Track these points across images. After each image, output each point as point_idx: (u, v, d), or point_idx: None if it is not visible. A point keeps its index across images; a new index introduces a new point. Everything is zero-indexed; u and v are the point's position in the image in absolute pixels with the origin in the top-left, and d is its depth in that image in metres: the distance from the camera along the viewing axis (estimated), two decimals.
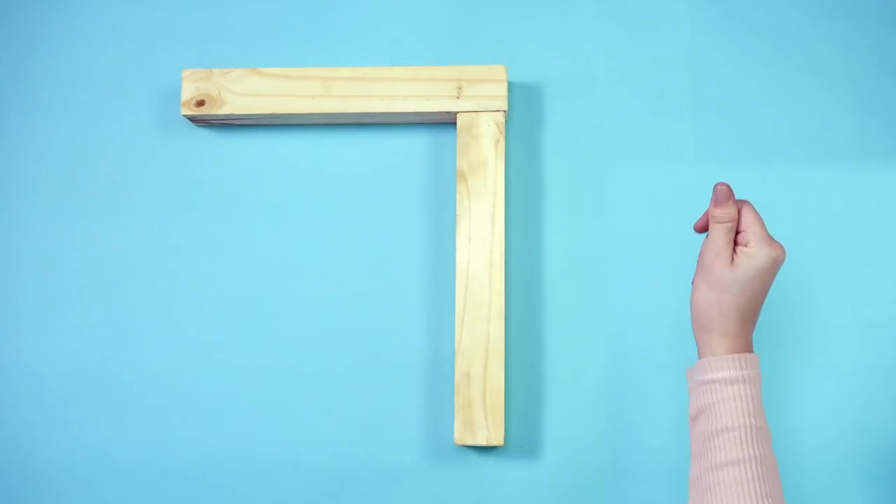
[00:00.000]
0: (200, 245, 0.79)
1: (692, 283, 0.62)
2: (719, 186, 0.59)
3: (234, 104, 0.76)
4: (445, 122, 0.78)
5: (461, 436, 0.72)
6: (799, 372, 0.75)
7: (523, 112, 0.79)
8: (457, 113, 0.75)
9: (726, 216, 0.59)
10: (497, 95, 0.75)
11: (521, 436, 0.75)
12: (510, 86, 0.79)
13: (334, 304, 0.77)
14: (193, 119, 0.78)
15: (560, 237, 0.77)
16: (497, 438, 0.72)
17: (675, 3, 0.81)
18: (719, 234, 0.59)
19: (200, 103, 0.76)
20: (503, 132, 0.75)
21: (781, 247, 0.59)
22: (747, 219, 0.59)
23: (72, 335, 0.78)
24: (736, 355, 0.58)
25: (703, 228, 0.63)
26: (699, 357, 0.60)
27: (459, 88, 0.76)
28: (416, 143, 0.79)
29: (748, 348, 0.60)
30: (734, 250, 0.59)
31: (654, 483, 0.74)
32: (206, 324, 0.77)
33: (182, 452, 0.76)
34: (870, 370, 0.74)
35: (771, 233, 0.59)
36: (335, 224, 0.78)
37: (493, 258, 0.74)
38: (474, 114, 0.75)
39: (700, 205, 0.77)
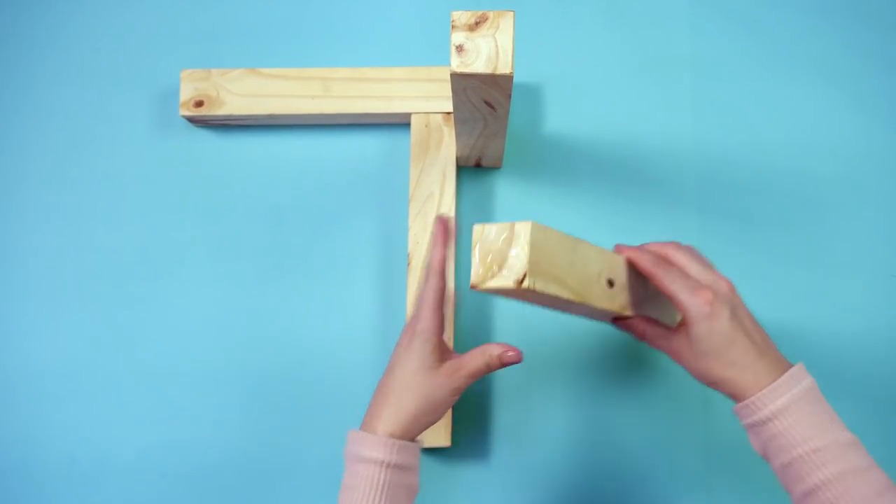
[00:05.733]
0: (199, 245, 0.79)
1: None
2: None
3: (233, 105, 0.76)
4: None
5: None
6: None
7: (523, 112, 0.79)
8: None
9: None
10: None
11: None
12: None
13: (335, 303, 0.77)
14: (192, 119, 0.78)
15: None
16: (444, 440, 0.71)
17: (675, 3, 0.81)
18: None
19: (199, 104, 0.76)
20: None
21: (708, 291, 0.54)
22: (662, 286, 0.55)
23: (72, 335, 0.78)
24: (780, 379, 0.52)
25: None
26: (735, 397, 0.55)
27: None
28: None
29: (786, 365, 0.54)
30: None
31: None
32: (206, 324, 0.77)
33: (181, 453, 0.76)
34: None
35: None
36: (335, 224, 0.78)
37: None
38: None
39: (699, 204, 0.77)
